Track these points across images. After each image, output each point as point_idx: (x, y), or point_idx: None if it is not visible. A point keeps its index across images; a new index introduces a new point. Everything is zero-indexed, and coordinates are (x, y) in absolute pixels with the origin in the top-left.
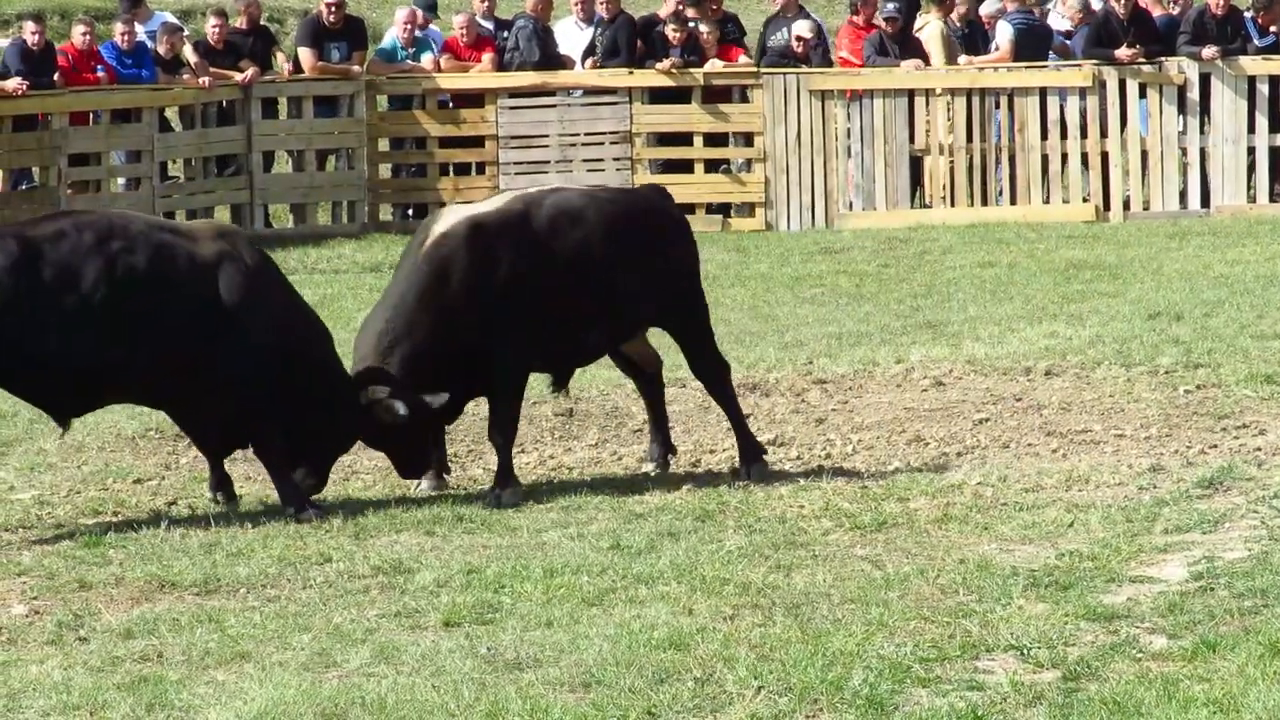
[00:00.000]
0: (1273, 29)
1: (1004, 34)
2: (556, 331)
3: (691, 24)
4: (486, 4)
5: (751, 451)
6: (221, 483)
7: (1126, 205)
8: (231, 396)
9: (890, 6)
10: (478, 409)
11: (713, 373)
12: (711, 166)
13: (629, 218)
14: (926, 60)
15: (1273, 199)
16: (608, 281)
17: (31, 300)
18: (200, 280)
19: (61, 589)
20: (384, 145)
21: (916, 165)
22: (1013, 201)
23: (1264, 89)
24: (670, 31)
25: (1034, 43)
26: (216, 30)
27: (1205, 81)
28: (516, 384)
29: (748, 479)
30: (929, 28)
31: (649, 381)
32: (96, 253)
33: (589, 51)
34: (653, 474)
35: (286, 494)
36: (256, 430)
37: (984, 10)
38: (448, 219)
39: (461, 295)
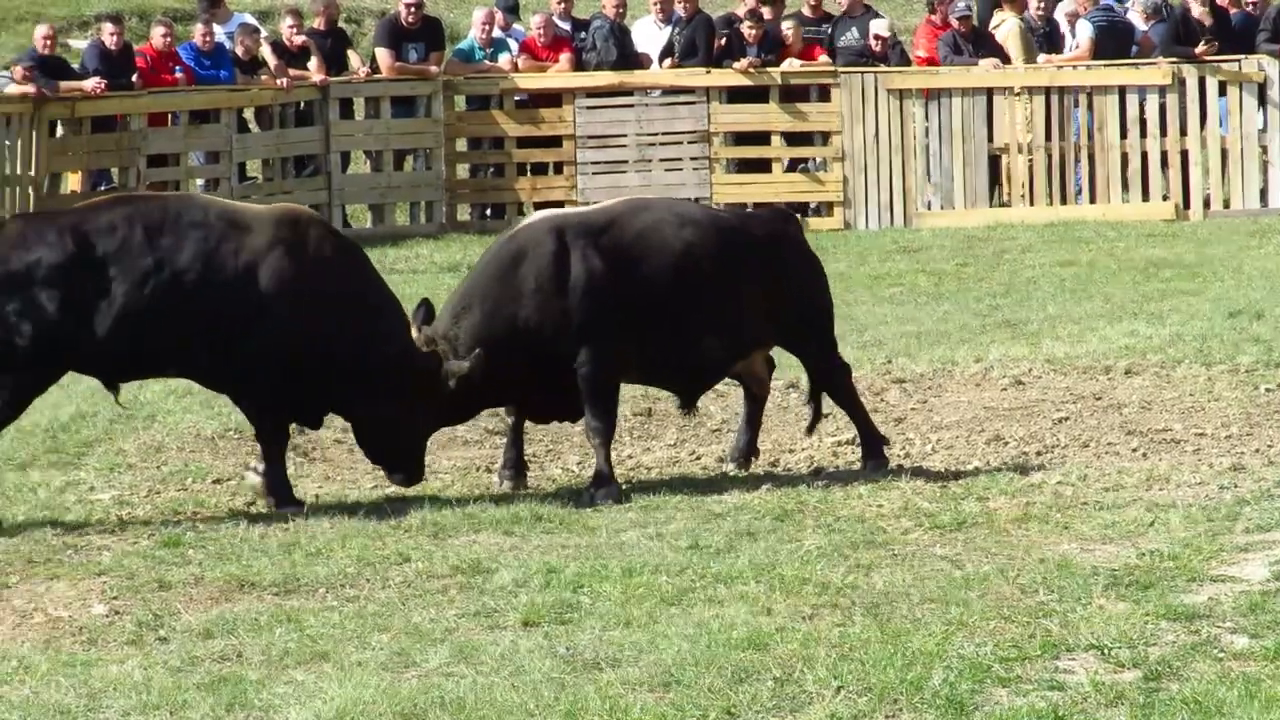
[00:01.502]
0: None
1: (1084, 32)
2: (656, 343)
3: (777, 22)
4: (564, 4)
5: (873, 450)
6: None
7: (1206, 203)
8: (272, 380)
9: (961, 5)
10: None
11: (835, 383)
12: (790, 166)
13: (745, 237)
14: (1005, 58)
15: None
16: (721, 298)
17: (91, 281)
18: (248, 265)
19: (141, 589)
20: (461, 145)
21: (995, 164)
22: (1092, 200)
23: None
24: (746, 29)
25: (1115, 40)
26: (293, 30)
27: None
28: (603, 389)
29: (864, 471)
30: (1006, 25)
31: (753, 399)
32: (153, 236)
33: (667, 51)
34: (731, 473)
35: (276, 484)
36: (260, 415)
37: (1061, 9)
38: (532, 218)
39: (536, 294)
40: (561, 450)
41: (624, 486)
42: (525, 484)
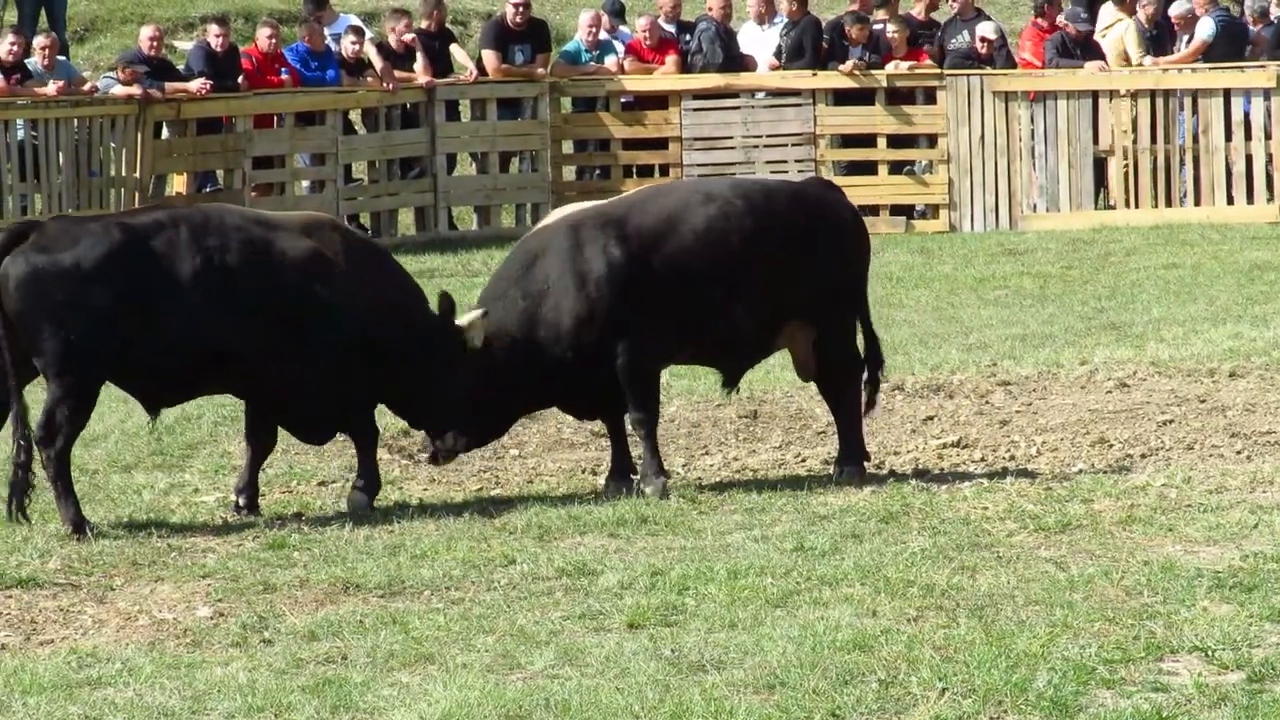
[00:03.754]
0: None
1: (1204, 29)
2: (688, 323)
3: (879, 25)
4: (674, 8)
5: (852, 455)
6: (249, 486)
7: None
8: (314, 388)
9: (1077, 12)
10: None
11: (844, 370)
12: (895, 168)
13: (770, 206)
14: (1107, 61)
15: None
16: (748, 271)
17: (131, 294)
18: (285, 273)
19: (246, 591)
20: (568, 147)
21: (1100, 166)
22: (1197, 203)
23: None
24: (851, 29)
25: (1231, 41)
26: (404, 29)
27: None
28: (641, 379)
29: (839, 478)
30: (1121, 25)
31: (825, 388)
32: (192, 247)
33: (778, 53)
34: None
35: (368, 480)
36: (353, 418)
37: (1173, 10)
38: (550, 216)
39: (555, 293)
40: (666, 453)
41: (730, 489)
42: (631, 485)
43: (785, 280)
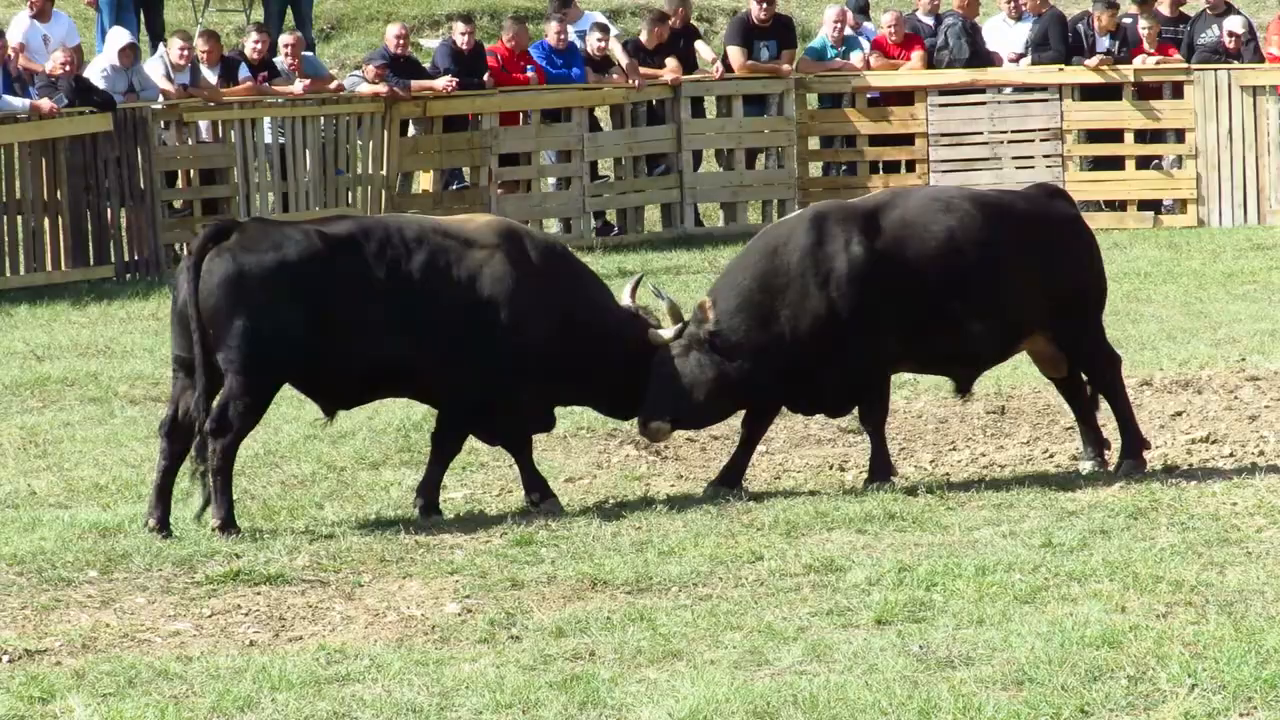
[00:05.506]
0: None
1: None
2: (923, 332)
3: (1128, 19)
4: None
5: (1132, 448)
6: (532, 484)
7: None
8: (497, 392)
9: None
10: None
11: (1104, 367)
12: (1143, 163)
13: (1010, 217)
14: None
15: None
16: (987, 282)
17: (322, 301)
18: (469, 281)
19: (493, 587)
20: (814, 144)
21: None
22: None
23: None
24: (1100, 16)
25: None
26: (656, 27)
27: None
28: (873, 379)
29: (1118, 471)
30: None
31: (1064, 382)
32: (379, 258)
33: (1026, 47)
34: (1085, 472)
35: (531, 484)
36: (507, 425)
37: None
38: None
39: (794, 287)
40: (914, 448)
41: (977, 484)
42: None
43: (1022, 291)
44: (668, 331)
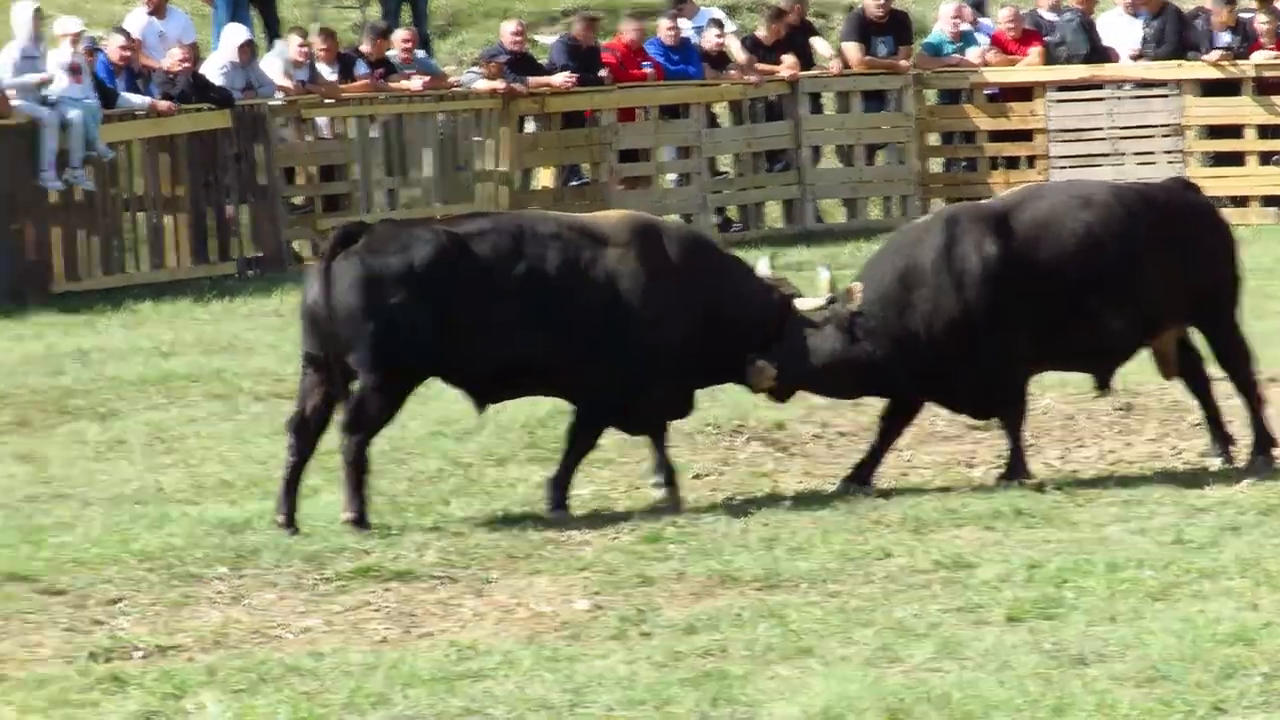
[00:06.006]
0: None
1: None
2: (1060, 330)
3: (1247, 15)
4: None
5: (1261, 444)
6: (661, 467)
7: None
8: (634, 392)
9: None
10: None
11: (1239, 363)
12: (1264, 159)
13: (1147, 212)
14: None
15: None
16: (1125, 278)
17: (454, 301)
18: (603, 278)
19: (623, 584)
20: (933, 139)
21: None
22: None
23: None
24: (1217, 13)
25: None
26: (775, 27)
27: None
28: (1008, 378)
29: (1249, 467)
30: None
31: (1190, 377)
32: (512, 256)
33: (1144, 42)
34: (1214, 468)
35: (660, 467)
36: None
37: None
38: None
39: (928, 286)
40: (1041, 445)
41: (1106, 481)
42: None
43: (1161, 285)
44: (813, 301)
